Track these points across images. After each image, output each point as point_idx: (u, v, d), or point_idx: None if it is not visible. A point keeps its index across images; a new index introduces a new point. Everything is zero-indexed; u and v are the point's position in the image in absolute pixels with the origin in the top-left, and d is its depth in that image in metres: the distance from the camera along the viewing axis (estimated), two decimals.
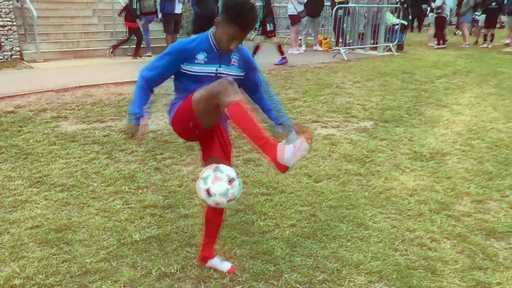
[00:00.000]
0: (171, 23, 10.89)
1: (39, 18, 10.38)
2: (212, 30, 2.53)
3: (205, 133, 2.62)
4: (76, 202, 3.82)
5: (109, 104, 6.58)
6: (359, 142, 5.28)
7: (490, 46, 13.96)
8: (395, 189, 4.09)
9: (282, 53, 10.12)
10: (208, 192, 2.36)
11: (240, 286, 2.77)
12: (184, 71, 2.51)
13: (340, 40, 12.53)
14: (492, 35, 14.29)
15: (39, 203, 3.79)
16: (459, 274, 2.88)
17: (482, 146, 5.25)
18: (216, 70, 2.52)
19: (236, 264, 2.95)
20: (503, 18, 11.57)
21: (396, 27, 12.80)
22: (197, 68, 2.49)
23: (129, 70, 9.15)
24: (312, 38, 13.67)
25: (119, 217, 3.58)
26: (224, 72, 2.53)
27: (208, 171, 2.41)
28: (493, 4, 13.71)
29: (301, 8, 12.02)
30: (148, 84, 2.57)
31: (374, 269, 2.90)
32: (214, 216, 2.79)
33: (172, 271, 2.90)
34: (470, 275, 2.87)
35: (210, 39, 2.51)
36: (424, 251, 3.13)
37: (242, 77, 2.63)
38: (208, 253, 2.92)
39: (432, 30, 14.70)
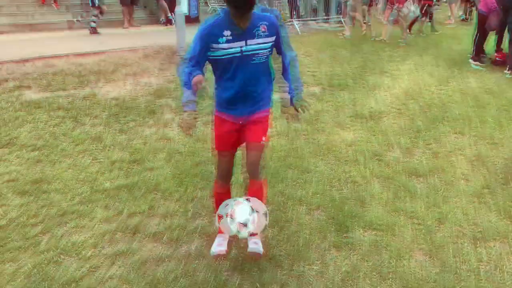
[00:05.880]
0: None
1: None
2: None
3: None
4: (47, 159, 4.15)
5: (71, 73, 6.78)
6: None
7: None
8: (336, 141, 4.67)
9: None
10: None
11: (201, 218, 3.26)
12: (211, 58, 2.61)
13: (294, 13, 13.00)
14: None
15: (12, 161, 4.09)
16: (383, 203, 3.49)
17: (416, 107, 5.92)
18: (241, 48, 2.56)
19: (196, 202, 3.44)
20: None
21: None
22: (220, 52, 2.56)
23: (89, 41, 9.26)
24: None
25: (90, 170, 3.96)
26: (251, 48, 2.57)
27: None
28: None
29: None
30: (191, 71, 2.59)
31: (314, 201, 3.46)
32: (224, 192, 2.99)
33: (141, 210, 3.34)
34: (391, 204, 3.49)
35: (231, 17, 2.54)
36: (356, 187, 3.73)
37: (273, 42, 2.66)
38: None
39: (380, 4, 15.40)
